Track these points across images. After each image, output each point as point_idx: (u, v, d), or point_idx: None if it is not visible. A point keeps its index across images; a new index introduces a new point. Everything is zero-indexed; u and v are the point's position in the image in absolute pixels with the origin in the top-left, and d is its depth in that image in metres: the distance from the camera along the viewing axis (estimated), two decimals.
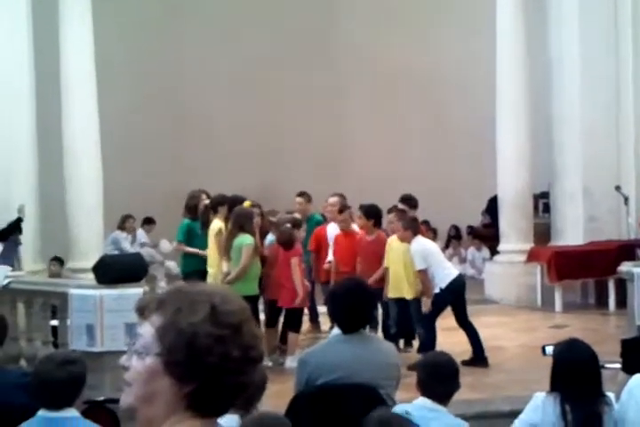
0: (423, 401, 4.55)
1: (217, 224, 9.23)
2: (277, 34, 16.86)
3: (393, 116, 16.98)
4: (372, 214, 9.43)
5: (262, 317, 9.45)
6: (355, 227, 9.93)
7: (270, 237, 9.73)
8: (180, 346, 1.76)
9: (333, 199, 10.42)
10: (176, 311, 1.79)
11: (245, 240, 8.77)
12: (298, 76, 16.92)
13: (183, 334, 1.76)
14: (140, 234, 15.65)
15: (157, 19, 16.62)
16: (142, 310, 1.85)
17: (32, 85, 12.04)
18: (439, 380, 4.51)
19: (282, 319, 9.35)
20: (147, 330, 1.81)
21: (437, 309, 8.67)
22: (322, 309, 10.07)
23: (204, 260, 9.47)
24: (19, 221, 10.20)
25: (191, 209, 9.92)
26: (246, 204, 9.41)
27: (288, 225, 9.23)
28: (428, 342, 8.47)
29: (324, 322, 10.17)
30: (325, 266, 10.00)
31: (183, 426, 1.79)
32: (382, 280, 9.06)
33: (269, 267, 9.20)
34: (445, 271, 8.75)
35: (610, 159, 12.19)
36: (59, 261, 12.18)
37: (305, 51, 16.88)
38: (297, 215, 9.84)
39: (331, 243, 10.07)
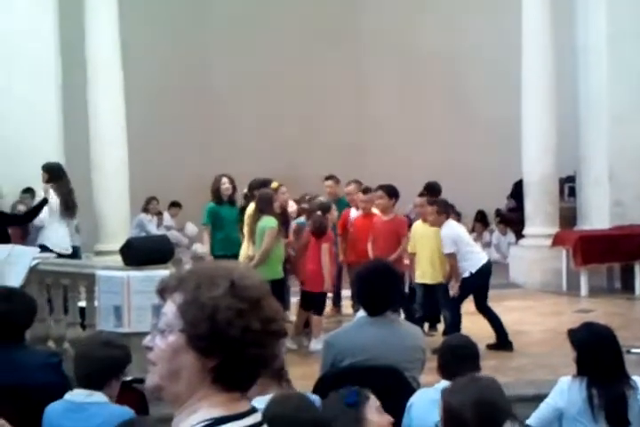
0: (445, 384, 4.56)
1: (252, 208, 9.26)
2: (305, 18, 16.82)
3: (418, 101, 16.91)
4: (394, 194, 9.43)
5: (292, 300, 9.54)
6: (375, 210, 9.95)
7: (300, 220, 9.74)
8: (203, 320, 1.79)
9: (350, 187, 10.43)
10: (196, 287, 1.82)
11: (269, 223, 8.79)
12: (325, 61, 16.88)
13: (205, 308, 1.79)
14: (166, 217, 15.74)
15: (185, 4, 16.61)
16: (163, 292, 1.88)
17: (58, 71, 12.08)
18: (458, 362, 4.53)
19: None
20: (169, 308, 1.84)
21: (465, 293, 8.65)
22: (345, 292, 10.13)
23: (232, 243, 9.51)
24: (44, 202, 10.25)
25: (213, 193, 9.97)
26: (274, 185, 9.43)
27: (318, 212, 9.23)
28: (452, 325, 8.48)
29: (346, 306, 10.20)
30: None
31: (209, 401, 1.82)
32: (398, 262, 9.02)
33: (301, 251, 9.22)
34: (476, 256, 8.73)
35: (637, 143, 12.09)
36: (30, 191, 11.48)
37: (332, 35, 16.82)
38: (322, 198, 9.84)
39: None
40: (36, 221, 10.32)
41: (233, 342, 1.79)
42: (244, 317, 1.80)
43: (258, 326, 1.81)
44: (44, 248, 9.66)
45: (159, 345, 1.83)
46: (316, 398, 4.35)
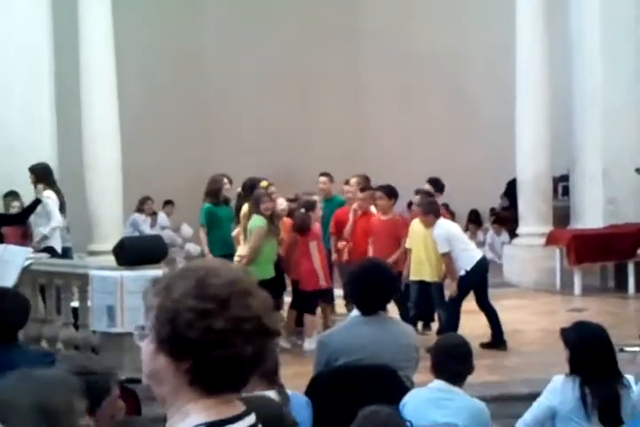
0: (438, 383, 4.57)
1: (246, 208, 9.24)
2: (305, 18, 16.82)
3: (417, 101, 16.93)
4: (393, 194, 9.45)
5: (287, 299, 9.52)
6: (373, 209, 9.93)
7: None
8: (165, 323, 1.78)
9: (354, 179, 10.41)
10: (164, 289, 1.82)
11: (256, 222, 8.79)
12: (324, 60, 16.88)
13: (167, 311, 1.79)
14: (162, 217, 15.73)
15: (183, 3, 16.58)
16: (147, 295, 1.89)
17: (51, 69, 12.06)
18: (451, 360, 4.54)
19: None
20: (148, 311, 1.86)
21: (464, 291, 8.64)
22: (338, 291, 10.11)
23: (228, 243, 9.51)
24: (37, 202, 10.23)
25: (213, 194, 9.93)
26: (263, 184, 9.42)
27: (302, 210, 9.24)
28: (450, 325, 8.45)
29: (339, 305, 10.19)
30: (340, 245, 10.02)
31: (199, 404, 1.80)
32: (398, 263, 9.05)
33: (289, 249, 9.22)
34: (470, 253, 8.71)
35: (630, 141, 12.11)
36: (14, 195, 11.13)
37: (332, 35, 16.83)
38: (314, 197, 9.83)
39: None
40: (54, 224, 10.17)
41: (195, 343, 1.77)
42: (206, 317, 1.77)
43: (222, 325, 1.77)
44: (51, 250, 9.63)
45: (142, 348, 1.85)
46: (303, 399, 4.36)
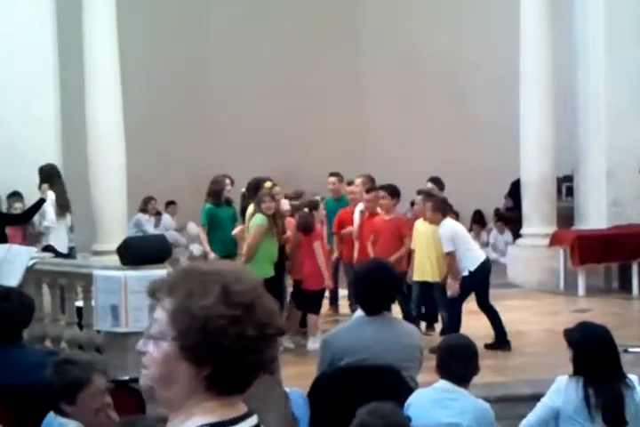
0: (443, 384, 4.57)
1: (251, 208, 9.25)
2: (305, 18, 16.83)
3: (418, 101, 16.94)
4: (396, 194, 9.45)
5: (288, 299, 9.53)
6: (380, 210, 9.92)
7: None
8: (195, 330, 1.75)
9: (359, 180, 10.42)
10: (188, 295, 1.78)
11: (256, 221, 8.79)
12: (324, 60, 16.89)
13: (196, 318, 1.75)
14: (166, 218, 15.72)
15: (184, 4, 16.59)
16: (154, 293, 1.85)
17: (56, 70, 12.07)
18: (457, 361, 4.54)
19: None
20: (160, 315, 1.81)
21: (466, 292, 8.62)
22: (342, 292, 10.11)
23: (230, 244, 9.51)
24: (41, 201, 10.28)
25: (214, 194, 9.94)
26: (267, 184, 9.42)
27: (305, 209, 9.25)
28: (452, 325, 8.45)
29: (344, 305, 10.19)
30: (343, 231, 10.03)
31: (203, 407, 1.79)
32: (401, 262, 9.04)
33: (293, 249, 9.22)
34: (474, 254, 8.68)
35: (634, 142, 12.09)
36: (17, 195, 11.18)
37: (332, 35, 16.84)
38: (317, 197, 9.84)
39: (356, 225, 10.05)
40: (47, 223, 10.34)
41: (227, 350, 1.76)
42: (237, 324, 1.76)
43: (252, 332, 1.77)
44: (50, 249, 9.68)
45: (152, 353, 1.81)
46: (300, 396, 4.36)
